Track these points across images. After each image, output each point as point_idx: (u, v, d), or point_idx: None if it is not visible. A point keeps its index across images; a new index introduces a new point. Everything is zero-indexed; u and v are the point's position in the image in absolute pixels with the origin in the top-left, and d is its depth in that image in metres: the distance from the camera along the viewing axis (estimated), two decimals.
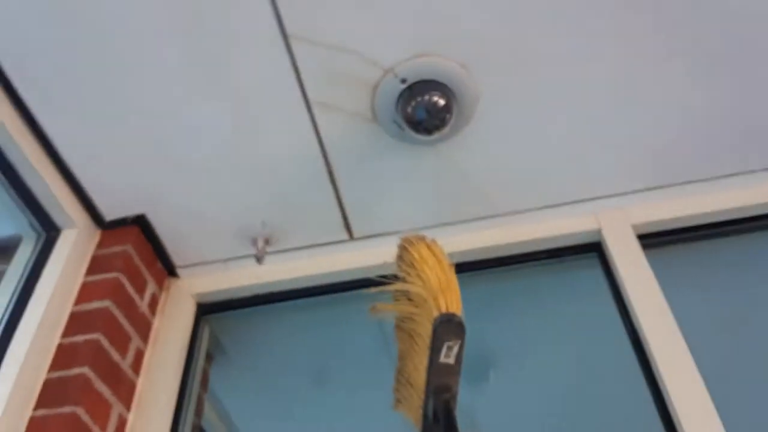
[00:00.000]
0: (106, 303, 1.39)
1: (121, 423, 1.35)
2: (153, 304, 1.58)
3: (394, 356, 1.75)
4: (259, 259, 1.55)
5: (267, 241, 1.62)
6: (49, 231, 1.47)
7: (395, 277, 1.21)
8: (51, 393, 1.24)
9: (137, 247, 1.54)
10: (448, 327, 1.03)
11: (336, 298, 1.71)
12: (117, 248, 1.51)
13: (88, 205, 1.50)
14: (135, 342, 1.46)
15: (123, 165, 1.46)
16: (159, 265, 1.63)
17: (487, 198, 1.54)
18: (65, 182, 1.45)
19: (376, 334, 1.78)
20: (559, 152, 1.47)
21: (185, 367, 1.53)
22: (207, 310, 1.67)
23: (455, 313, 1.04)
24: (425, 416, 1.08)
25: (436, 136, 1.35)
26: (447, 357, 1.06)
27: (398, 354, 1.25)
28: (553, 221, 1.56)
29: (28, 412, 1.21)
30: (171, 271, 1.66)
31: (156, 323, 1.57)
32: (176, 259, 1.65)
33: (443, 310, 1.03)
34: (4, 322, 1.30)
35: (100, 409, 1.28)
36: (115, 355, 1.37)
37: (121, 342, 1.41)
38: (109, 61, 1.29)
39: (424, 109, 1.31)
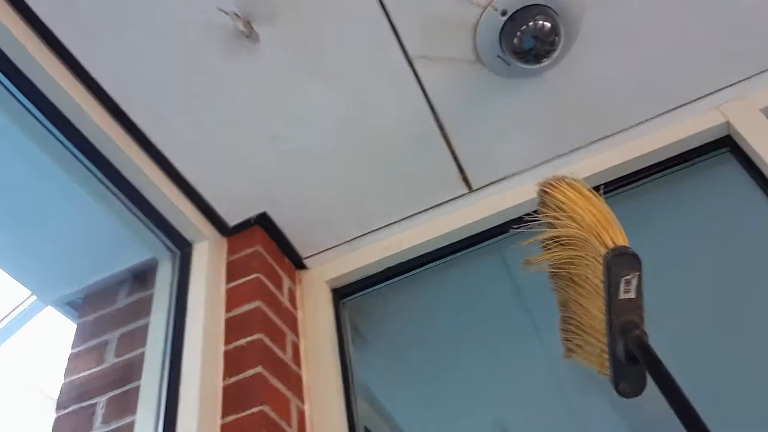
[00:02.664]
0: (256, 304, 1.40)
1: (301, 416, 1.36)
2: (292, 298, 1.59)
3: (529, 308, 1.72)
4: None
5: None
6: (182, 248, 1.49)
7: (531, 223, 1.17)
8: (234, 398, 1.25)
9: (265, 245, 1.55)
10: (622, 260, 0.98)
11: (463, 257, 1.69)
12: (248, 250, 1.52)
13: (211, 214, 1.51)
14: (290, 337, 1.48)
15: (237, 167, 1.46)
16: (286, 259, 1.64)
17: (604, 117, 1.48)
18: (187, 197, 1.46)
19: (509, 286, 1.76)
20: (671, 50, 1.40)
21: (339, 354, 1.53)
22: (342, 294, 1.67)
23: (625, 245, 1.00)
24: (615, 359, 1.04)
25: (546, 62, 1.30)
26: (627, 292, 1.01)
27: (559, 302, 1.20)
28: (677, 125, 1.49)
29: (218, 421, 1.23)
30: (299, 263, 1.67)
31: (300, 316, 1.58)
32: (302, 250, 1.65)
33: (611, 244, 0.98)
34: (170, 341, 1.32)
35: (281, 405, 1.29)
36: (279, 352, 1.39)
37: (278, 338, 1.42)
38: (211, 62, 1.28)
39: (531, 36, 1.26)
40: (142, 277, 1.56)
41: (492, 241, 1.64)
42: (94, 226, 1.44)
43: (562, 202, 1.09)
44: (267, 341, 1.35)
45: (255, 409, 1.22)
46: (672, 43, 1.39)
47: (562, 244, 1.12)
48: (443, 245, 1.64)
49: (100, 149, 1.27)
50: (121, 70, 1.26)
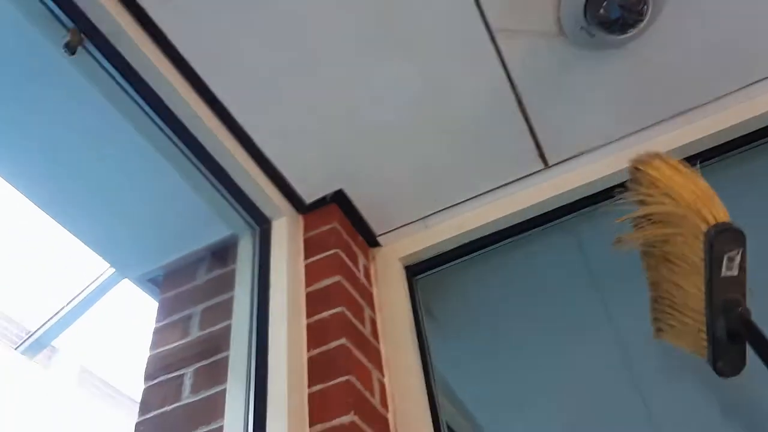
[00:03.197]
0: (336, 278, 1.41)
1: (381, 388, 1.37)
2: (367, 275, 1.60)
3: (602, 286, 1.70)
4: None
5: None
6: (261, 225, 1.52)
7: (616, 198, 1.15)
8: (319, 368, 1.27)
9: (340, 223, 1.57)
10: (725, 237, 0.96)
11: (536, 234, 1.67)
12: (325, 227, 1.54)
13: (289, 192, 1.53)
14: (367, 312, 1.49)
15: (316, 145, 1.47)
16: (360, 237, 1.65)
17: (687, 89, 1.45)
18: (267, 175, 1.48)
19: (581, 266, 1.74)
20: (760, 20, 1.36)
21: (416, 330, 1.54)
22: (415, 271, 1.68)
23: (728, 221, 0.97)
24: (714, 338, 1.02)
25: (631, 32, 1.28)
26: (729, 269, 0.99)
27: (650, 282, 1.18)
28: (763, 97, 1.45)
29: (305, 390, 1.25)
30: (372, 241, 1.68)
31: (375, 292, 1.59)
32: (376, 227, 1.66)
33: (712, 221, 0.97)
34: (255, 314, 1.35)
35: (365, 376, 1.31)
36: (359, 325, 1.40)
37: (358, 313, 1.43)
38: (292, 41, 1.30)
39: (618, 5, 1.24)
40: (220, 254, 1.59)
41: (566, 218, 1.63)
42: (178, 203, 1.48)
43: (657, 179, 1.07)
44: (348, 314, 1.37)
45: (341, 379, 1.24)
46: (762, 13, 1.35)
47: (654, 222, 1.10)
48: (516, 222, 1.63)
49: (188, 128, 1.30)
50: (212, 54, 1.28)
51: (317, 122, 1.44)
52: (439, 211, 1.64)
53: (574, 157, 1.55)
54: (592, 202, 1.57)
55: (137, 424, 1.32)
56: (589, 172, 1.55)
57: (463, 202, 1.62)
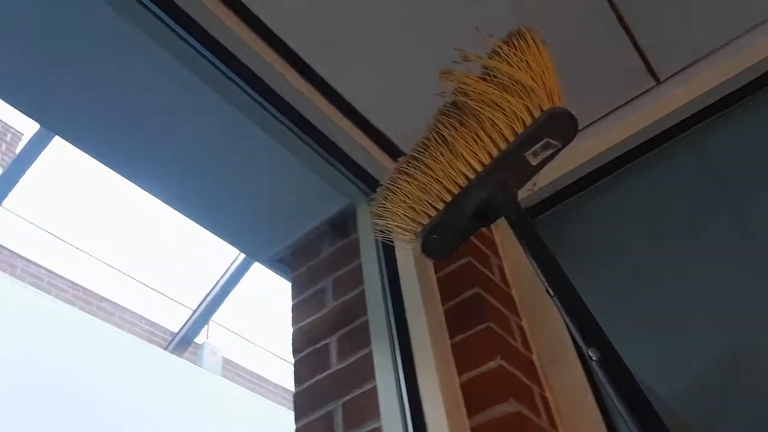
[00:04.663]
0: None
1: (521, 331, 1.37)
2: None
3: (737, 200, 1.59)
4: None
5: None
6: (376, 190, 1.53)
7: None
8: (457, 319, 1.29)
9: None
10: (561, 122, 0.92)
11: (655, 156, 1.60)
12: None
13: (398, 154, 1.54)
14: (493, 260, 1.49)
15: (420, 104, 1.47)
16: None
17: None
18: (374, 141, 1.50)
19: (708, 180, 1.64)
20: None
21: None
22: (533, 213, 1.65)
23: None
24: (451, 210, 0.97)
25: None
26: (535, 155, 0.95)
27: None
28: None
29: (447, 342, 1.27)
30: None
31: (497, 239, 1.59)
32: None
33: (558, 104, 0.93)
34: (386, 276, 1.38)
35: (503, 322, 1.31)
36: (488, 273, 1.40)
37: (485, 262, 1.43)
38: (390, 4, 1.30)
39: None
40: (340, 225, 1.63)
41: (686, 134, 1.54)
42: (293, 182, 1.53)
43: (527, 50, 0.98)
44: (476, 264, 1.37)
45: (481, 327, 1.25)
46: None
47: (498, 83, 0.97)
48: (634, 146, 1.56)
49: (296, 107, 1.34)
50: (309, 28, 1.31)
51: (421, 83, 1.43)
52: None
53: (687, 67, 1.47)
54: (712, 112, 1.48)
55: (295, 396, 1.39)
56: (705, 80, 1.46)
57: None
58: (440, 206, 0.97)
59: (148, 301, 5.28)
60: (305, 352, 1.47)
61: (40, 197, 4.89)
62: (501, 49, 0.97)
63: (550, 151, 0.94)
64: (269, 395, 5.19)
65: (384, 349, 1.28)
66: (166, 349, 4.73)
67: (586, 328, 0.83)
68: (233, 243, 1.70)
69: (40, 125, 3.11)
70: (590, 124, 1.55)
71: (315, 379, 1.38)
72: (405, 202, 1.01)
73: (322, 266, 1.60)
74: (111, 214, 4.97)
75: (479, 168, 0.95)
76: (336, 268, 1.56)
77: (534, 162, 0.95)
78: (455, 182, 0.97)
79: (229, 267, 4.01)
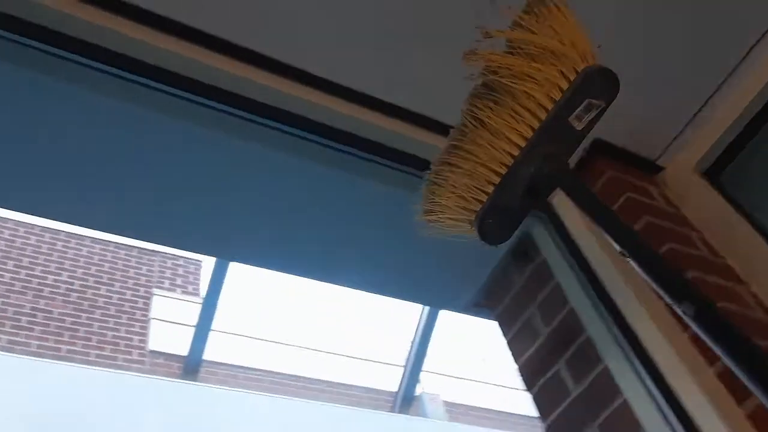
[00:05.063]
0: (645, 219, 1.40)
1: (756, 299, 1.30)
2: (669, 202, 1.54)
3: None
4: None
5: None
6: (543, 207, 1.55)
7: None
8: None
9: (614, 168, 1.54)
10: (599, 80, 0.84)
11: None
12: (601, 180, 1.52)
13: None
14: (694, 235, 1.43)
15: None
16: (639, 171, 1.59)
17: None
18: None
19: None
20: None
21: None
22: (713, 173, 1.57)
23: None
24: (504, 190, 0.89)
25: None
26: (579, 119, 0.86)
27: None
28: None
29: (680, 333, 1.23)
30: (653, 168, 1.62)
31: (687, 213, 1.52)
32: (651, 154, 1.60)
33: (593, 63, 0.85)
34: (588, 286, 1.38)
35: (734, 296, 1.26)
36: (695, 252, 1.36)
37: (686, 241, 1.40)
38: None
39: None
40: (520, 254, 1.65)
41: None
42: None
43: (551, 13, 0.89)
44: (680, 247, 1.33)
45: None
46: None
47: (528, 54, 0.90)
48: None
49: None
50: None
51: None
52: (705, 104, 1.52)
53: None
54: None
55: (546, 430, 1.41)
56: None
57: (722, 82, 1.49)
58: (490, 189, 0.95)
59: (356, 369, 5.55)
60: (538, 384, 1.49)
61: (234, 312, 5.41)
62: (522, 19, 0.96)
63: (594, 113, 0.89)
64: (498, 424, 5.19)
65: (619, 360, 1.27)
66: (392, 410, 4.90)
67: (672, 284, 0.75)
68: (429, 304, 1.77)
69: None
70: (738, 65, 1.47)
71: (560, 410, 1.39)
72: (454, 192, 0.99)
73: (521, 297, 1.62)
74: (295, 307, 5.37)
75: (523, 144, 0.91)
76: (535, 295, 1.57)
77: (579, 126, 0.90)
78: (502, 163, 0.94)
79: (421, 314, 4.10)
